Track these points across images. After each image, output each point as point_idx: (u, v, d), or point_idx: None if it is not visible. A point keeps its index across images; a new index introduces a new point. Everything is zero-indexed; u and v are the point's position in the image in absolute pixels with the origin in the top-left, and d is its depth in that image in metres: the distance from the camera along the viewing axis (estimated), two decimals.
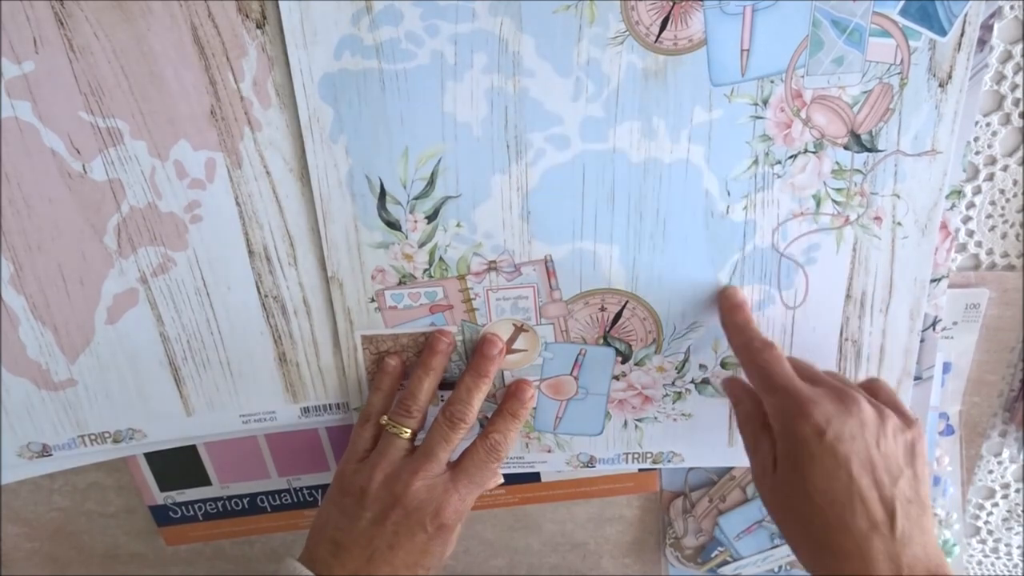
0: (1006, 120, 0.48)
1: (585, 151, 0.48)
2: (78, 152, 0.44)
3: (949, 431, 0.56)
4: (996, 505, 0.55)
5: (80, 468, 0.52)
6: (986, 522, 0.56)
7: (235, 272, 0.50)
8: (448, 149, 0.47)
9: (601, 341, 0.54)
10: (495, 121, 0.47)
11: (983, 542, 0.56)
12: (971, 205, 0.50)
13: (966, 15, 0.44)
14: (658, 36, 0.45)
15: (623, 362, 0.54)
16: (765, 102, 0.46)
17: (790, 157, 0.48)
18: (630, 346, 0.54)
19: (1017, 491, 0.55)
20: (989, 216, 0.49)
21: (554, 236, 0.50)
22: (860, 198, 0.49)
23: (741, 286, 0.52)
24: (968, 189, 0.51)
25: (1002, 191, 0.50)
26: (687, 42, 0.45)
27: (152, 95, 0.44)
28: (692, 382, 0.55)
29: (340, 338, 0.52)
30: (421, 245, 0.50)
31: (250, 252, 0.50)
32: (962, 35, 0.45)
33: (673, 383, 0.55)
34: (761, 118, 0.47)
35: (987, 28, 0.45)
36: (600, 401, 0.56)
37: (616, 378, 0.55)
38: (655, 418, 0.57)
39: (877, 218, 0.50)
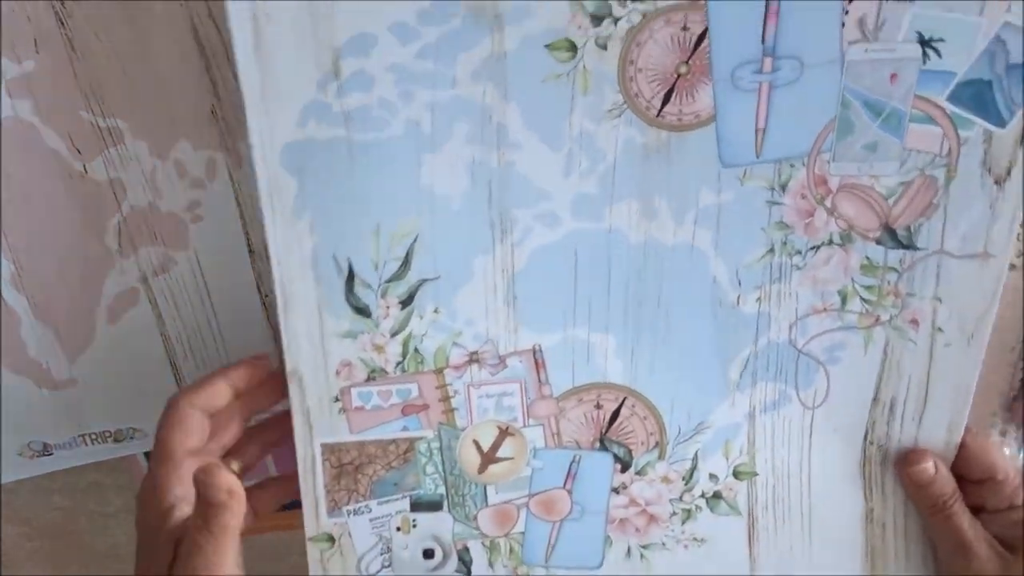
0: None
1: (577, 230, 0.44)
2: (78, 152, 0.45)
3: None
4: None
5: (80, 468, 0.53)
6: None
7: (236, 271, 0.51)
8: (425, 226, 0.44)
9: (597, 445, 0.49)
10: (477, 196, 0.43)
11: None
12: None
13: None
14: (660, 110, 0.41)
15: (623, 471, 0.49)
16: (783, 187, 0.42)
17: (812, 248, 0.44)
18: (630, 451, 0.49)
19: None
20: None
21: (543, 323, 0.46)
22: (894, 298, 0.44)
23: (753, 383, 0.47)
24: None
25: None
26: (693, 118, 0.41)
27: (153, 95, 0.45)
28: (703, 496, 0.50)
29: (297, 445, 0.48)
30: (394, 334, 0.46)
31: (251, 251, 0.50)
32: None
33: (681, 497, 0.50)
34: (778, 204, 0.43)
35: None
36: (598, 522, 0.51)
37: (616, 491, 0.50)
38: (663, 544, 0.51)
39: (914, 321, 0.45)
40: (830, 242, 0.43)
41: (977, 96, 0.40)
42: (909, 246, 0.43)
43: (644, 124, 0.41)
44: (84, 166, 0.46)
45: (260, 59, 0.40)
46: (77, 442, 0.52)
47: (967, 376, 0.45)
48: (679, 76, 0.40)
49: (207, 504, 0.41)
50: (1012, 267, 0.47)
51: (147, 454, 0.57)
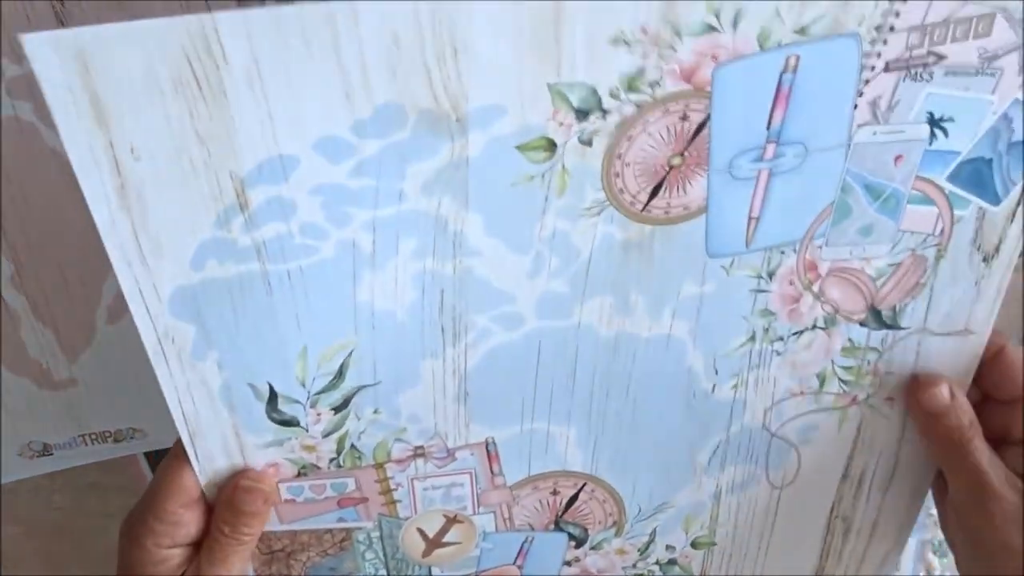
0: None
1: (541, 328, 0.38)
2: None
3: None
4: None
5: (80, 468, 0.53)
6: None
7: None
8: (362, 341, 0.37)
9: (552, 527, 0.45)
10: (427, 306, 0.36)
11: None
12: None
13: None
14: (646, 204, 0.35)
15: (577, 547, 0.46)
16: (771, 275, 0.38)
17: (795, 333, 0.40)
18: (586, 530, 0.45)
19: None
20: None
21: (498, 418, 0.41)
22: (872, 377, 0.41)
23: (722, 467, 0.44)
24: None
25: None
26: (682, 210, 0.35)
27: None
28: (657, 563, 0.47)
29: None
30: (327, 435, 0.40)
31: None
32: (1018, 204, 0.37)
33: (635, 565, 0.47)
34: (764, 291, 0.38)
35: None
36: None
37: (568, 563, 0.47)
38: None
39: (890, 399, 0.42)
40: (813, 327, 0.40)
41: (976, 174, 0.36)
42: (893, 326, 0.40)
43: (626, 220, 0.35)
44: None
45: (125, 203, 0.31)
46: (77, 442, 0.51)
47: None
48: (671, 168, 0.34)
49: (239, 512, 0.39)
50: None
51: (147, 454, 0.57)
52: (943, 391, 0.40)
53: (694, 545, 0.47)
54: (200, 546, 0.40)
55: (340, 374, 0.38)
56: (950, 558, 0.54)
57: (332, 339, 0.36)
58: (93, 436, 0.52)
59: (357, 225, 0.33)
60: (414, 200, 0.33)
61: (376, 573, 0.45)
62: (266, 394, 0.37)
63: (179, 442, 0.40)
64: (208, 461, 0.39)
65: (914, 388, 0.41)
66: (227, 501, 0.39)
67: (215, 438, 0.38)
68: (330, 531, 0.43)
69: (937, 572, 0.59)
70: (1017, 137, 0.36)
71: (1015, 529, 0.39)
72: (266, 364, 0.36)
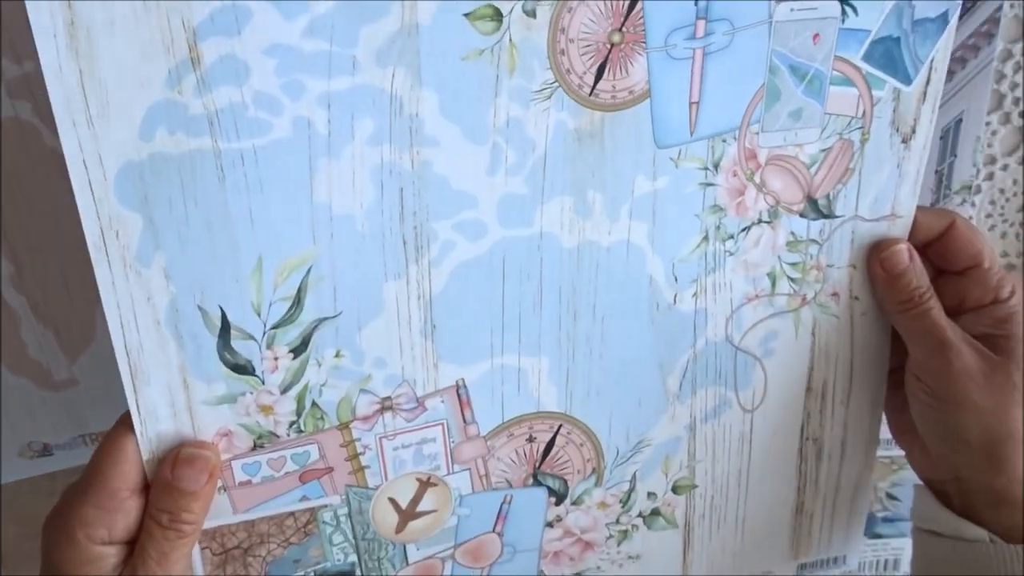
0: (1006, 119, 0.46)
1: (505, 239, 0.37)
2: None
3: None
4: None
5: (80, 468, 0.46)
6: None
7: None
8: (321, 253, 0.35)
9: (530, 481, 0.42)
10: (387, 209, 0.35)
11: None
12: (971, 204, 0.47)
13: (932, 61, 0.39)
14: (593, 87, 0.36)
15: (557, 503, 0.43)
16: (716, 165, 0.39)
17: (743, 230, 0.41)
18: (565, 482, 0.43)
19: None
20: (989, 215, 0.47)
21: (467, 353, 0.39)
22: (816, 272, 0.43)
23: (693, 391, 0.43)
24: None
25: (1002, 190, 0.47)
26: (627, 94, 0.36)
27: None
28: (640, 515, 0.45)
29: None
30: (285, 390, 0.37)
31: None
32: (928, 84, 0.40)
33: (617, 520, 0.45)
34: (712, 185, 0.39)
35: (994, 21, 0.40)
36: (531, 559, 0.44)
37: (550, 524, 0.44)
38: (597, 568, 0.46)
39: (835, 294, 0.43)
40: (759, 221, 0.41)
41: (887, 54, 0.39)
42: (828, 215, 0.41)
43: (576, 105, 0.36)
44: None
45: (74, 44, 0.29)
46: (77, 442, 0.51)
47: (882, 347, 0.45)
48: (612, 46, 0.35)
49: (179, 493, 0.35)
50: (1011, 267, 0.49)
51: None
52: (902, 250, 0.41)
53: (675, 490, 0.45)
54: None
55: (298, 301, 0.35)
56: None
57: (289, 249, 0.34)
58: (93, 436, 0.51)
59: (311, 99, 0.32)
60: (368, 71, 0.32)
61: (346, 559, 0.41)
62: (218, 322, 0.34)
63: (121, 418, 0.36)
64: (152, 421, 0.35)
65: (875, 251, 0.42)
66: (164, 482, 0.35)
67: (160, 385, 0.34)
68: (292, 515, 0.39)
69: None
70: (920, 14, 0.39)
71: (974, 386, 0.40)
72: (218, 278, 0.34)
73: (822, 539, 0.49)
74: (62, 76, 0.29)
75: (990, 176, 0.47)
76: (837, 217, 0.42)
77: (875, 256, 0.42)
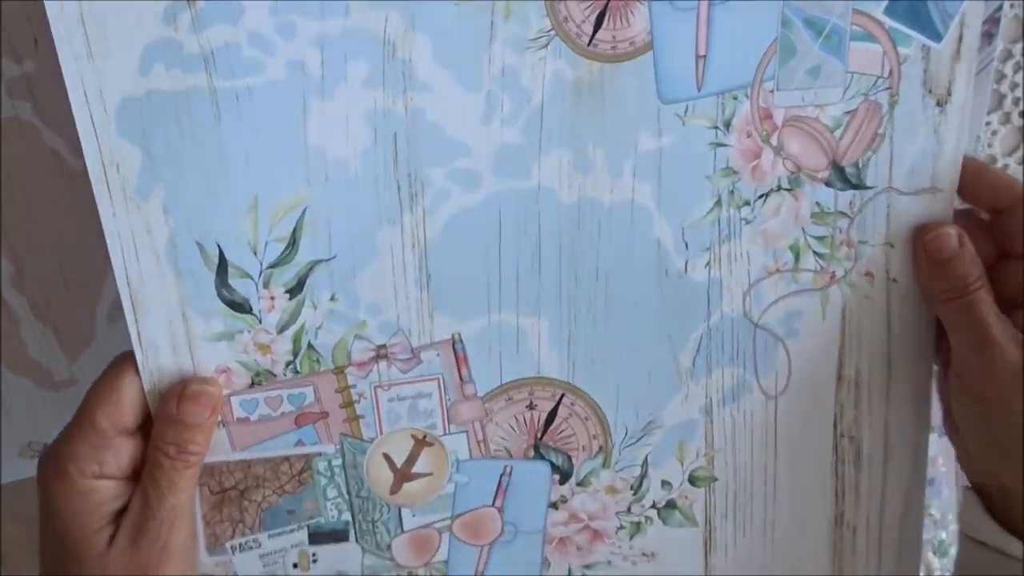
0: (1006, 119, 0.44)
1: (501, 191, 0.37)
2: (79, 152, 0.41)
3: (942, 431, 0.47)
4: None
5: None
6: None
7: None
8: (315, 196, 0.36)
9: (531, 453, 0.41)
10: (380, 154, 0.36)
11: None
12: None
13: (963, 15, 0.37)
14: (592, 37, 0.36)
15: (562, 482, 0.42)
16: (727, 125, 0.38)
17: (760, 196, 0.39)
18: (570, 458, 0.42)
19: None
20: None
21: (463, 307, 0.39)
22: (847, 248, 0.40)
23: (708, 370, 0.41)
24: None
25: None
26: (628, 45, 0.36)
27: None
28: (654, 507, 0.43)
29: None
30: (282, 330, 0.38)
31: None
32: (960, 41, 0.37)
33: (629, 509, 0.43)
34: (723, 145, 0.38)
35: (994, 21, 0.38)
36: (535, 542, 0.43)
37: (554, 506, 0.42)
38: (608, 562, 0.44)
39: (868, 273, 0.41)
40: (779, 188, 0.39)
41: (912, 8, 0.37)
42: (859, 185, 0.39)
43: (574, 55, 0.36)
44: (84, 166, 0.44)
45: None
46: None
47: (924, 339, 0.42)
48: None
49: (185, 427, 0.36)
50: None
51: None
52: (951, 234, 0.38)
53: (693, 481, 0.43)
54: (131, 482, 0.37)
55: (293, 242, 0.36)
56: (950, 558, 0.55)
57: (284, 190, 0.35)
58: None
59: (304, 41, 0.34)
60: (361, 14, 0.34)
61: (340, 516, 0.41)
62: (215, 259, 0.36)
63: (116, 359, 0.37)
64: (153, 353, 0.36)
65: (920, 232, 0.39)
66: (169, 417, 0.36)
67: (160, 317, 0.36)
68: (287, 459, 0.40)
69: (937, 572, 0.56)
70: None
71: (1018, 390, 0.36)
72: (214, 215, 0.35)
73: (869, 559, 0.45)
74: (63, 12, 0.32)
75: None
76: (868, 188, 0.39)
77: (919, 239, 0.39)
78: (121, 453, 0.36)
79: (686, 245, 0.39)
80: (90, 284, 0.47)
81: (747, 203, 0.39)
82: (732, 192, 0.39)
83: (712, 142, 0.38)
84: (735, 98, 0.37)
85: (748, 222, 0.39)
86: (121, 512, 0.36)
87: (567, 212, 0.38)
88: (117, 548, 0.36)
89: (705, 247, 0.39)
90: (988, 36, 0.39)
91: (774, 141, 0.38)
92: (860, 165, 0.39)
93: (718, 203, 0.39)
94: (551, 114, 0.36)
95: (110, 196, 0.34)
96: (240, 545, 0.40)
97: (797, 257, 0.40)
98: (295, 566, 0.41)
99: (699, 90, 0.37)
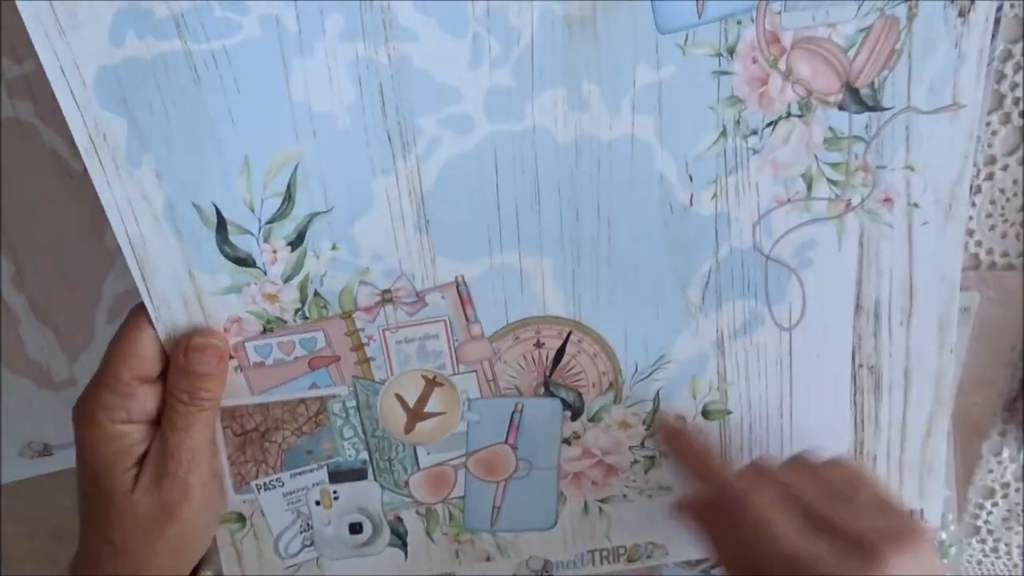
0: (1006, 119, 0.42)
1: (495, 133, 0.36)
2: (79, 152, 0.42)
3: None
4: (996, 505, 0.55)
5: None
6: (986, 521, 0.55)
7: None
8: (306, 151, 0.36)
9: (542, 391, 0.42)
10: (367, 106, 0.35)
11: (983, 542, 0.56)
12: (971, 204, 0.44)
13: None
14: None
15: (573, 418, 0.42)
16: (731, 51, 0.36)
17: (768, 125, 0.37)
18: (580, 395, 0.42)
19: (1017, 490, 0.53)
20: (989, 215, 0.45)
21: (465, 250, 0.39)
22: (863, 175, 0.38)
23: (718, 304, 0.40)
24: None
25: (1002, 190, 0.44)
26: None
27: None
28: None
29: None
30: (287, 279, 0.38)
31: None
32: None
33: (642, 444, 0.43)
34: (727, 73, 0.36)
35: (994, 21, 0.36)
36: (549, 477, 0.44)
37: (567, 442, 0.43)
38: (624, 496, 0.44)
39: (887, 200, 0.39)
40: (788, 115, 0.37)
41: None
42: (875, 107, 0.37)
43: None
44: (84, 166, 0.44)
45: None
46: None
47: (951, 261, 0.40)
48: None
49: (194, 375, 0.38)
50: (1011, 267, 0.45)
51: None
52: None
53: (706, 415, 0.43)
54: (156, 426, 0.39)
55: (289, 197, 0.36)
56: (951, 558, 0.56)
57: (273, 148, 0.35)
58: None
59: None
60: None
61: (357, 456, 0.42)
62: (213, 218, 0.36)
63: (133, 309, 0.39)
64: (165, 309, 0.38)
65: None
66: (180, 367, 0.38)
67: (167, 276, 0.37)
68: (303, 402, 0.41)
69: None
70: None
71: None
72: (207, 177, 0.35)
73: (890, 487, 0.45)
74: None
75: (990, 176, 0.43)
76: (885, 109, 0.37)
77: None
78: (146, 400, 0.38)
79: (691, 178, 0.38)
80: (90, 284, 0.48)
81: (754, 132, 0.37)
82: (738, 122, 0.37)
83: (715, 71, 0.36)
84: (739, 23, 0.35)
85: (756, 152, 0.38)
86: (146, 455, 0.38)
87: (564, 151, 0.37)
88: (141, 487, 0.38)
89: (711, 179, 0.38)
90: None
91: (782, 66, 0.36)
92: (876, 86, 0.37)
93: (723, 134, 0.37)
94: (542, 53, 0.35)
95: (102, 167, 0.34)
96: (265, 484, 0.42)
97: (810, 186, 0.39)
98: (318, 504, 0.43)
99: (700, 16, 0.35)
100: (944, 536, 0.55)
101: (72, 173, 0.45)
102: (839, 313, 0.41)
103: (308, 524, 0.43)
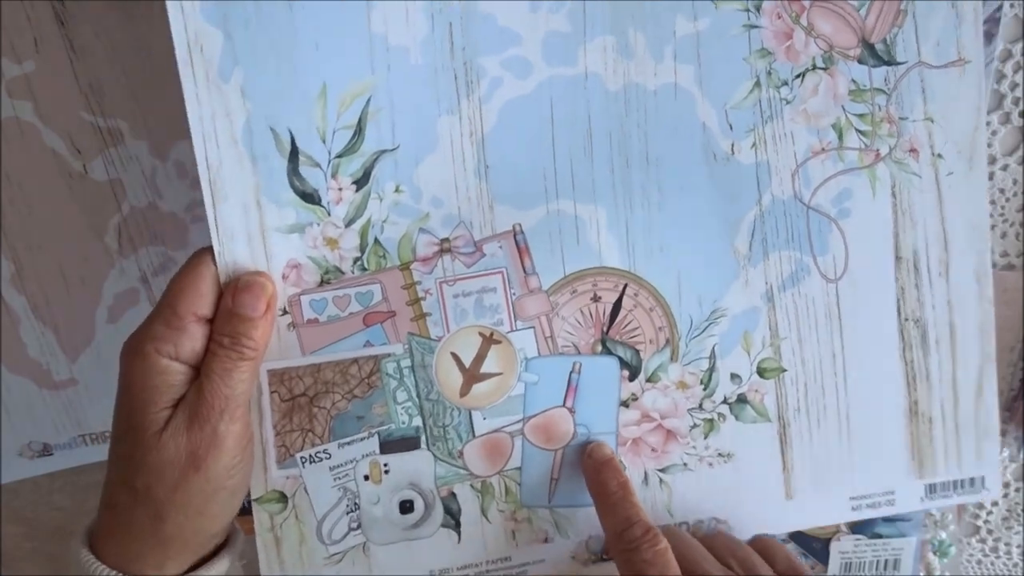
0: (1006, 119, 0.47)
1: (551, 78, 0.39)
2: (78, 152, 0.46)
3: None
4: (996, 504, 0.56)
5: (81, 467, 0.52)
6: (986, 521, 0.56)
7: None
8: (379, 84, 0.38)
9: (599, 348, 0.42)
10: (438, 42, 0.39)
11: (983, 541, 0.57)
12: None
13: None
14: None
15: (631, 378, 0.42)
16: (758, 8, 0.40)
17: (797, 76, 0.41)
18: (637, 352, 0.42)
19: (1017, 490, 0.55)
20: (989, 215, 0.47)
21: (522, 197, 0.40)
22: (888, 125, 0.42)
23: (765, 254, 0.42)
24: None
25: (1002, 190, 0.48)
26: None
27: (153, 95, 0.46)
28: (725, 402, 0.43)
29: None
30: (349, 223, 0.39)
31: None
32: None
33: (700, 405, 0.43)
34: (756, 27, 0.41)
35: (994, 21, 0.42)
36: (608, 445, 0.42)
37: (625, 404, 0.42)
38: (684, 464, 0.43)
39: (913, 150, 0.42)
40: (814, 67, 0.41)
41: None
42: (890, 61, 0.41)
43: None
44: (84, 166, 0.46)
45: None
46: (77, 442, 0.51)
47: (978, 210, 0.43)
48: None
49: (239, 319, 0.37)
50: (1011, 267, 0.49)
51: None
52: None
53: (761, 373, 0.43)
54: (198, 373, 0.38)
55: (359, 131, 0.38)
56: (950, 558, 0.57)
57: (350, 77, 0.38)
58: (93, 436, 0.52)
59: None
60: None
61: (411, 422, 0.40)
62: (288, 145, 0.38)
63: (201, 249, 0.39)
64: (229, 242, 0.38)
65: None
66: (226, 309, 0.38)
67: (236, 204, 0.38)
68: (356, 361, 0.40)
69: (937, 572, 0.57)
70: None
71: None
72: (287, 101, 0.37)
73: (948, 453, 0.44)
74: None
75: (990, 176, 0.48)
76: (900, 63, 0.42)
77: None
78: (195, 339, 0.37)
79: (730, 127, 0.41)
80: (90, 284, 0.48)
81: (785, 83, 0.41)
82: (769, 72, 0.41)
83: (745, 24, 0.40)
84: None
85: (788, 102, 0.41)
86: (183, 400, 0.37)
87: (614, 98, 0.40)
88: (171, 428, 0.36)
89: (749, 128, 0.41)
90: (988, 36, 0.42)
91: (804, 22, 0.41)
92: (888, 42, 0.41)
93: (757, 84, 0.41)
94: (592, 2, 0.39)
95: (194, 78, 0.37)
96: (310, 457, 0.40)
97: (840, 135, 0.42)
98: (366, 478, 0.40)
99: None
100: (944, 536, 0.56)
101: (72, 173, 0.46)
102: (880, 264, 0.43)
103: (355, 503, 0.40)
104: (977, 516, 0.55)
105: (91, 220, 0.48)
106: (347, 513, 0.40)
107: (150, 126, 0.46)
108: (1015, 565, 0.57)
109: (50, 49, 0.44)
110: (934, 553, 0.57)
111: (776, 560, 0.41)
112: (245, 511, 0.42)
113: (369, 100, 0.38)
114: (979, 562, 0.57)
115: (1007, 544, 0.56)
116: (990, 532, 0.56)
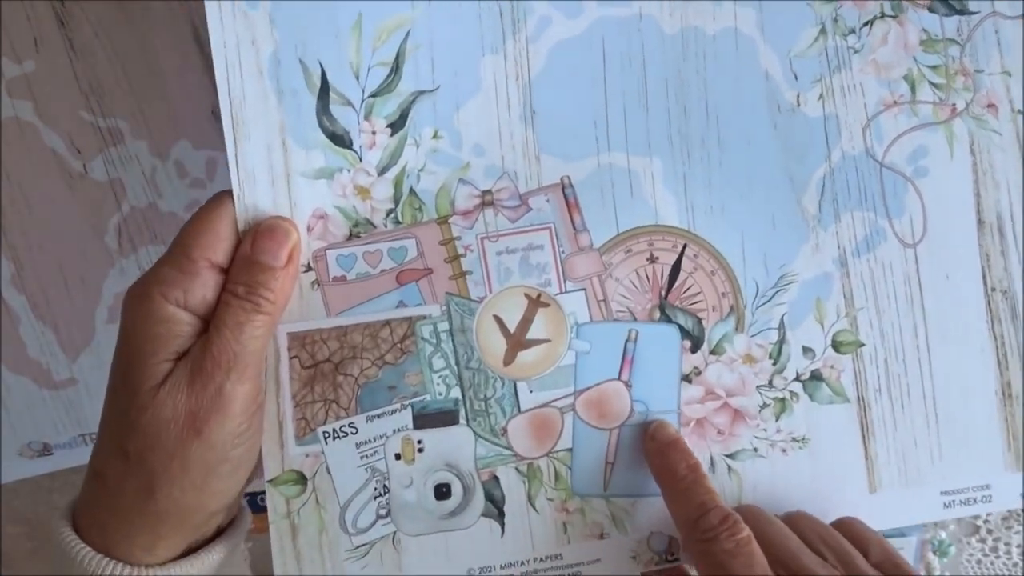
0: None
1: (603, 18, 0.37)
2: (79, 152, 0.46)
3: None
4: None
5: (81, 467, 0.48)
6: (985, 521, 0.56)
7: None
8: (419, 18, 0.36)
9: (657, 315, 0.37)
10: None
11: (983, 541, 0.57)
12: None
13: None
14: None
15: (693, 350, 0.38)
16: None
17: (865, 24, 0.39)
18: (699, 320, 0.38)
19: None
20: None
21: (571, 147, 0.37)
22: (964, 79, 0.39)
23: (836, 216, 0.38)
24: None
25: None
26: None
27: (153, 95, 0.46)
28: (798, 379, 0.38)
29: None
30: (382, 171, 0.36)
31: None
32: None
33: (770, 383, 0.38)
34: None
35: None
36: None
37: (687, 379, 0.38)
38: (755, 449, 0.38)
39: (991, 106, 0.39)
40: (882, 15, 0.39)
41: None
42: (962, 10, 0.39)
43: None
44: (84, 166, 0.46)
45: None
46: (77, 442, 0.51)
47: None
48: None
49: (257, 267, 0.34)
50: None
51: None
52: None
53: (836, 347, 0.38)
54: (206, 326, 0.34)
55: (396, 68, 0.35)
56: (950, 558, 0.57)
57: (387, 9, 0.35)
58: (93, 436, 0.50)
59: None
60: None
61: (448, 393, 0.36)
62: (318, 80, 0.35)
63: (219, 192, 0.35)
64: (250, 184, 0.34)
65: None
66: (243, 256, 0.34)
67: (259, 143, 0.34)
68: (388, 324, 0.36)
69: (937, 572, 0.57)
70: None
71: None
72: (319, 31, 0.35)
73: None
74: None
75: None
76: (972, 13, 0.39)
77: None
78: (208, 286, 0.33)
79: (795, 76, 0.38)
80: (90, 284, 0.48)
81: (852, 31, 0.38)
82: (836, 19, 0.38)
83: None
84: None
85: (856, 51, 0.39)
86: (187, 354, 0.33)
87: (671, 42, 0.37)
88: (170, 383, 0.32)
89: (816, 78, 0.38)
90: None
91: None
92: None
93: (823, 31, 0.38)
94: None
95: (219, 1, 0.34)
96: (334, 432, 0.35)
97: (913, 88, 0.39)
98: (397, 457, 0.36)
99: None
100: (944, 536, 0.56)
101: (72, 173, 0.46)
102: (962, 228, 0.39)
103: (384, 487, 0.36)
104: (977, 516, 0.55)
105: (91, 220, 0.47)
106: (375, 498, 0.36)
107: (150, 126, 0.46)
108: (1015, 565, 0.57)
109: (50, 49, 0.44)
110: (934, 553, 0.57)
111: (870, 550, 0.36)
112: (260, 508, 0.38)
113: (408, 35, 0.36)
114: (979, 562, 0.57)
115: (1007, 544, 0.56)
116: (990, 532, 0.56)
